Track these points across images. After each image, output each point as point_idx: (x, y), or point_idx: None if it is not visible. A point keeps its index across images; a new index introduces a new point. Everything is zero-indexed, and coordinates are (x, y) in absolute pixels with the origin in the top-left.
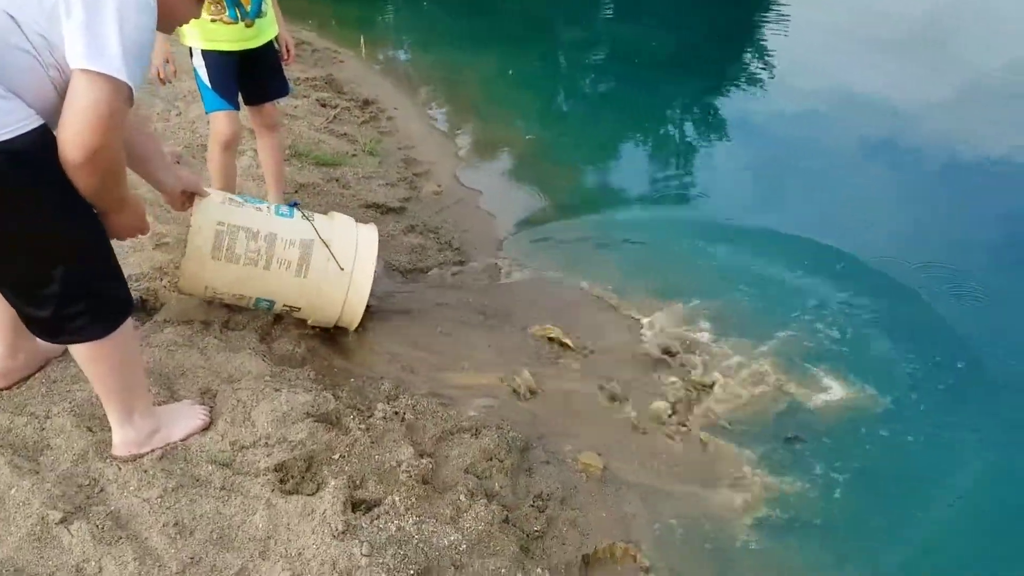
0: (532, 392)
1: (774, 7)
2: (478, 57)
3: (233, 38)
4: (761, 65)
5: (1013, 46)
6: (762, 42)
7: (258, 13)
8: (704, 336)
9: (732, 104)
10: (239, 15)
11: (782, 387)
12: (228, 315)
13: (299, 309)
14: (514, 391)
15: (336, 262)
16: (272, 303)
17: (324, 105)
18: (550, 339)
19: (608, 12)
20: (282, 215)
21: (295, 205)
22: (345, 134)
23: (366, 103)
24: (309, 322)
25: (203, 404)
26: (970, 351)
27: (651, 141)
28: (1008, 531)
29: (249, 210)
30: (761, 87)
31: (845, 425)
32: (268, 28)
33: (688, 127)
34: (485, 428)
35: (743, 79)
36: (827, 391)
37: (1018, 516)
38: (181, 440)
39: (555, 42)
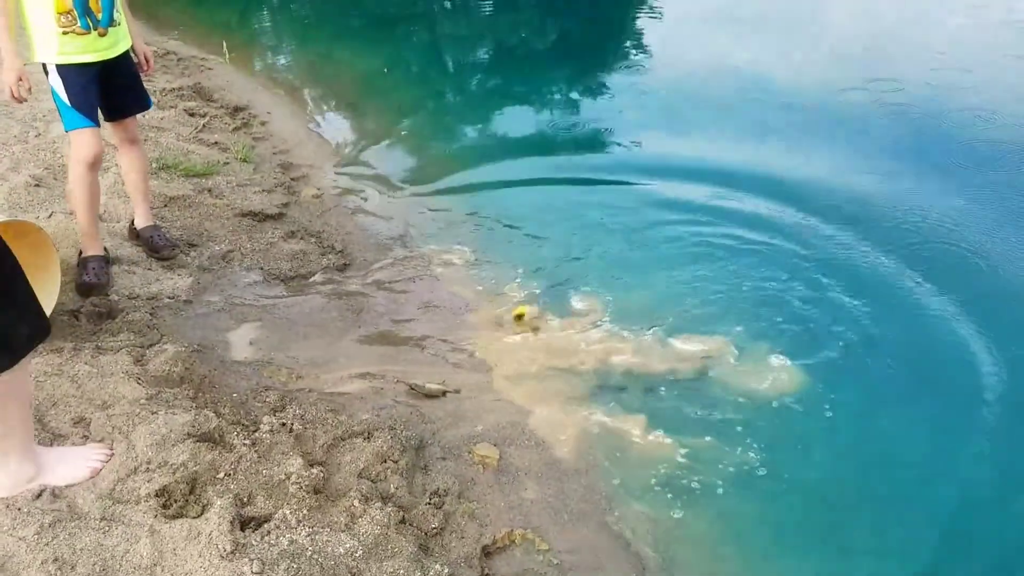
0: (442, 393)
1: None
2: (352, 56)
3: (88, 49)
4: (634, 48)
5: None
6: (636, 30)
7: (110, 21)
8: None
9: (610, 83)
10: (91, 23)
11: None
12: (99, 339)
13: None
14: (412, 388)
15: None
16: None
17: (192, 115)
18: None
19: (485, 7)
20: None
21: None
22: (216, 143)
23: (237, 109)
24: None
25: (106, 447)
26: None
27: (529, 126)
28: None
29: None
30: (636, 68)
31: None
32: (123, 38)
33: (563, 110)
34: (377, 430)
35: (618, 62)
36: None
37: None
38: (61, 487)
39: (432, 36)
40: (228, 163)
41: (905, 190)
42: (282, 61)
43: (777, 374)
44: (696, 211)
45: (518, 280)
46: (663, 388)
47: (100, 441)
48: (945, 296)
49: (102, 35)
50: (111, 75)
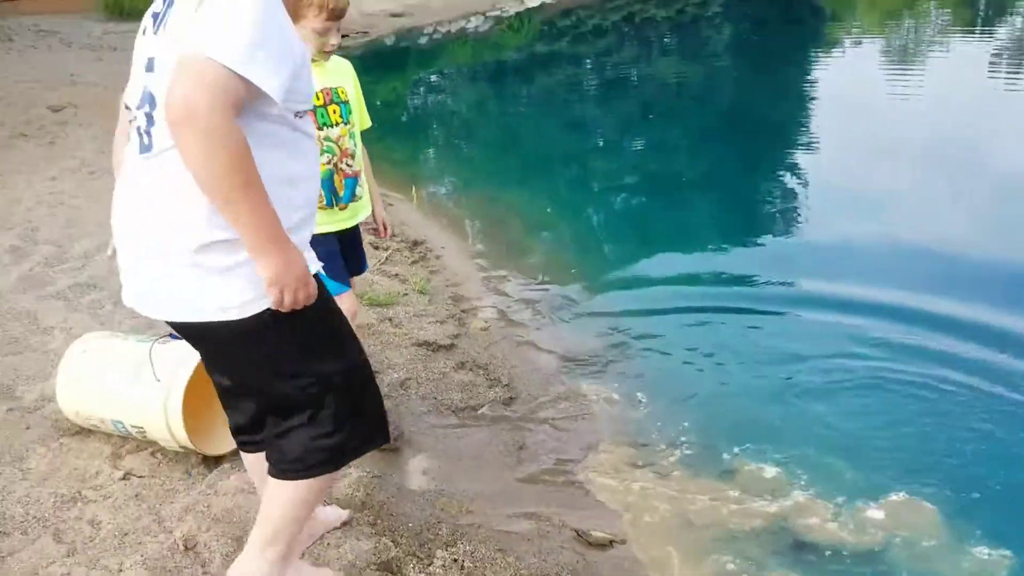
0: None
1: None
2: (516, 194)
3: (326, 221)
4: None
5: None
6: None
7: (352, 198)
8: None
9: (775, 214)
10: (334, 200)
11: None
12: None
13: (143, 429)
14: (578, 535)
15: (153, 372)
16: (123, 423)
17: (376, 248)
18: None
19: (637, 144)
20: (140, 341)
21: (171, 337)
22: (397, 274)
23: (415, 244)
24: (164, 444)
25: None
26: None
27: (687, 255)
28: None
29: (116, 340)
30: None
31: None
32: (362, 209)
33: (725, 239)
34: None
35: (768, 199)
36: None
37: None
38: None
39: (587, 173)
40: (407, 294)
41: None
42: (454, 199)
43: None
44: (892, 349)
45: (679, 425)
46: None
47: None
48: None
49: (342, 209)
50: (345, 241)
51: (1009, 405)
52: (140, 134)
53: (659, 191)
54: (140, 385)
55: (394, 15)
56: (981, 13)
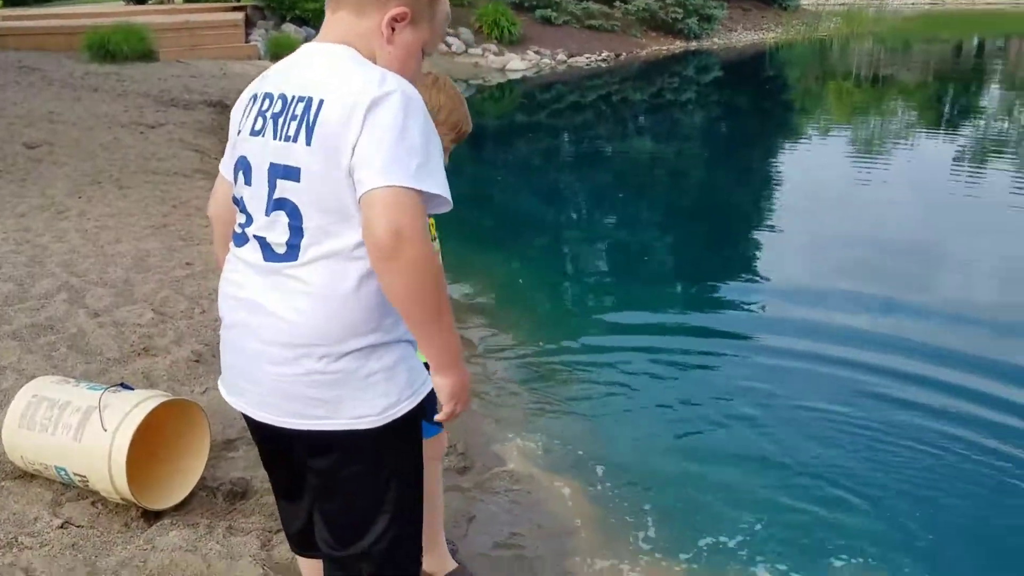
0: None
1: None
2: (484, 257)
3: None
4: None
5: None
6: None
7: None
8: None
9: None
10: None
11: None
12: (232, 519)
13: (85, 478)
14: None
15: (100, 421)
16: (66, 471)
17: None
18: None
19: (608, 215)
20: (91, 388)
21: (122, 387)
22: None
23: None
24: (106, 495)
25: None
26: None
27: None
28: None
29: (67, 386)
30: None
31: None
32: None
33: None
34: None
35: (728, 269)
36: None
37: None
38: None
39: (557, 239)
40: None
41: None
42: None
43: None
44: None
45: (641, 507)
46: None
47: None
48: None
49: None
50: None
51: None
52: (266, 244)
53: (621, 261)
54: (87, 433)
55: None
56: (946, 114)
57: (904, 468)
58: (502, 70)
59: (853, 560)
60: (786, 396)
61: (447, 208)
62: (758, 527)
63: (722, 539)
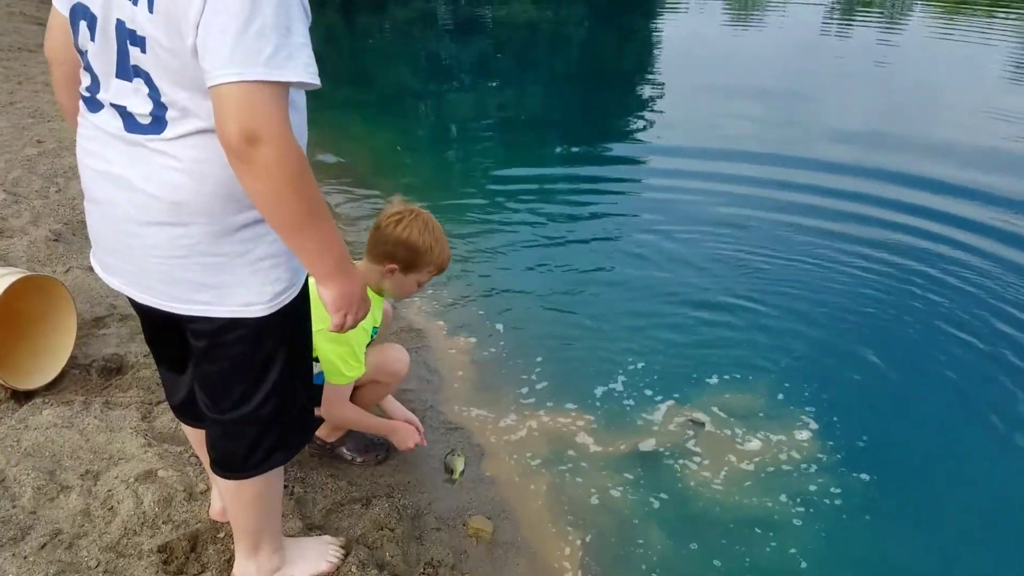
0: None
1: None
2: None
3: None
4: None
5: None
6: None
7: None
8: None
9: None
10: None
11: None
12: (109, 394)
13: None
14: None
15: None
16: None
17: None
18: None
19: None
20: None
21: None
22: None
23: None
24: None
25: (339, 542)
26: None
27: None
28: None
29: None
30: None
31: None
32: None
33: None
34: (376, 498)
35: (614, 165)
36: None
37: None
38: None
39: (436, 104)
40: None
41: None
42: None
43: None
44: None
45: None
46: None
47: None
48: None
49: None
50: None
51: None
52: (128, 113)
53: (504, 121)
54: None
55: None
56: None
57: (780, 283)
58: None
59: (735, 375)
60: (673, 228)
61: (314, 86)
62: (641, 365)
63: (612, 386)
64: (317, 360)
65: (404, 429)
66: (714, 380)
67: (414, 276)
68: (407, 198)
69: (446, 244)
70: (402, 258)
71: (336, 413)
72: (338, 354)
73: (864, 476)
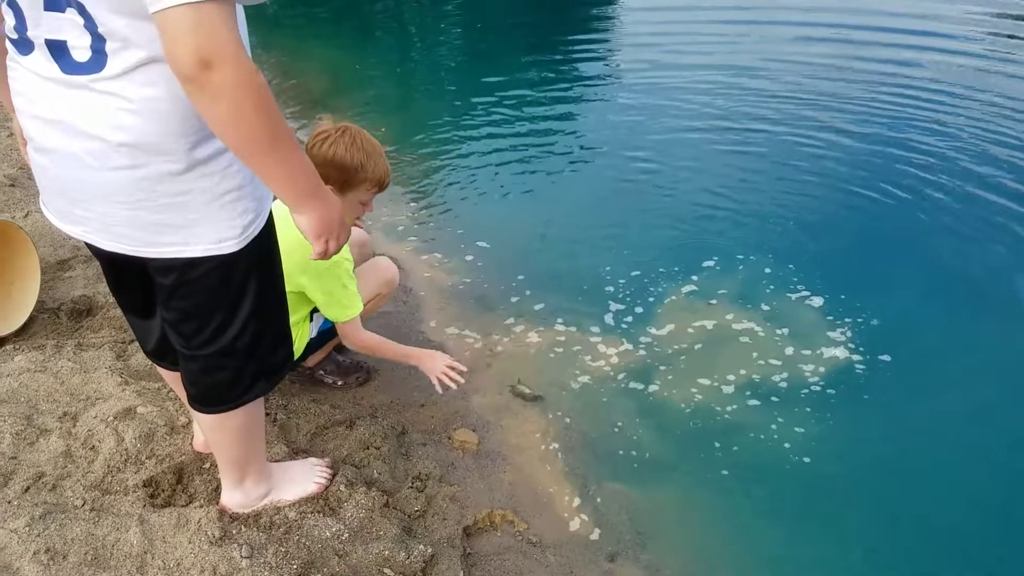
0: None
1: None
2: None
3: None
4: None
5: None
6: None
7: None
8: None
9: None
10: None
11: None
12: (81, 336)
13: None
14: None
15: None
16: None
17: None
18: None
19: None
20: None
21: None
22: None
23: None
24: None
25: (325, 462)
26: None
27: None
28: None
29: None
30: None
31: None
32: None
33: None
34: (359, 419)
35: (580, 68)
36: None
37: None
38: (291, 503)
39: (398, 23)
40: None
41: None
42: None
43: None
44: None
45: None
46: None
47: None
48: None
49: None
50: None
51: None
52: (61, 51)
53: (473, 44)
54: None
55: None
56: None
57: (765, 185)
58: None
59: (724, 264)
60: (656, 128)
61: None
62: (636, 272)
63: (596, 292)
64: (316, 311)
65: (437, 356)
66: (712, 263)
67: (353, 195)
68: (334, 115)
69: (381, 158)
70: (335, 178)
71: (359, 344)
72: (328, 291)
73: (880, 357)
